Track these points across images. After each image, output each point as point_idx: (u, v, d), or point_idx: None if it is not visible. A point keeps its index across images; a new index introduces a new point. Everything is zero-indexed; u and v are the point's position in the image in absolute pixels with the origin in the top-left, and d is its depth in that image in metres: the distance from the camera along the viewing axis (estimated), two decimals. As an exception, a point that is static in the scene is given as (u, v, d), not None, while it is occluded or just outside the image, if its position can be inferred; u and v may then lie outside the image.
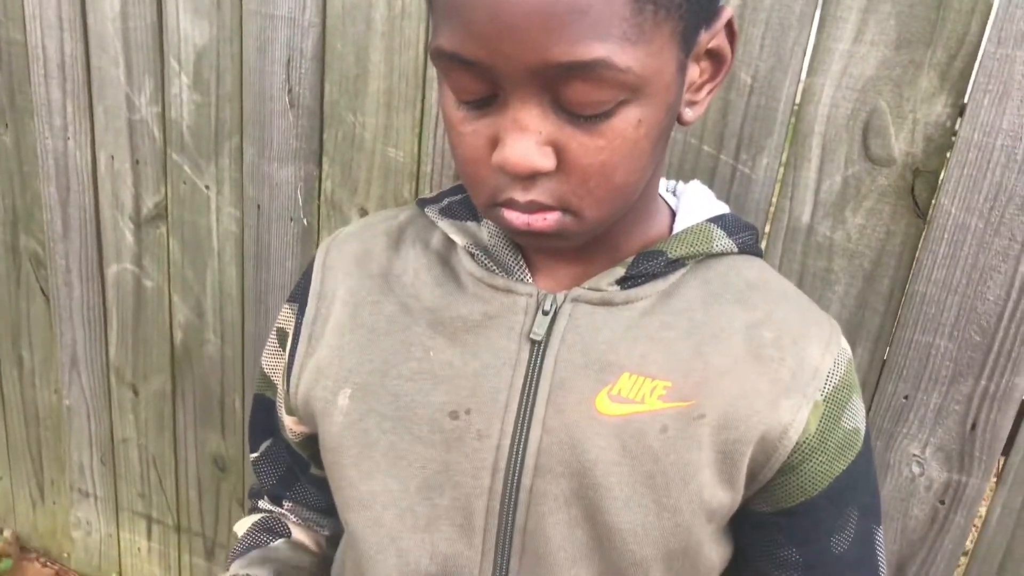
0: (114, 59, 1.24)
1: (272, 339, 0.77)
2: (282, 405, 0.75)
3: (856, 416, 0.65)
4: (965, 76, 0.78)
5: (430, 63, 1.02)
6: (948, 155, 0.80)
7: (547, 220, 0.54)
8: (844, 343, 0.66)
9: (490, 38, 0.47)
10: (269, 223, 1.21)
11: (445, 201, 0.69)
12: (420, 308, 0.65)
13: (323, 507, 0.83)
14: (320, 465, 0.74)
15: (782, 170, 0.88)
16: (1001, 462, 0.88)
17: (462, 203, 0.68)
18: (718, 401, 0.60)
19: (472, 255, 0.65)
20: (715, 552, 0.66)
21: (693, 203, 0.68)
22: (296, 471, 0.82)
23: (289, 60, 1.11)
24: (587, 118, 0.50)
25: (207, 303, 1.33)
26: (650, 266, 0.62)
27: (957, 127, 0.79)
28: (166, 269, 1.35)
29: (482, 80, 0.50)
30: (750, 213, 0.89)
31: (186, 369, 1.41)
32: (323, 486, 0.81)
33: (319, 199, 1.16)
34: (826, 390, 0.63)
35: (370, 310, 0.67)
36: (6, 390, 1.68)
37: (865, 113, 0.82)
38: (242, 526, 0.82)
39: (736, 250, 0.66)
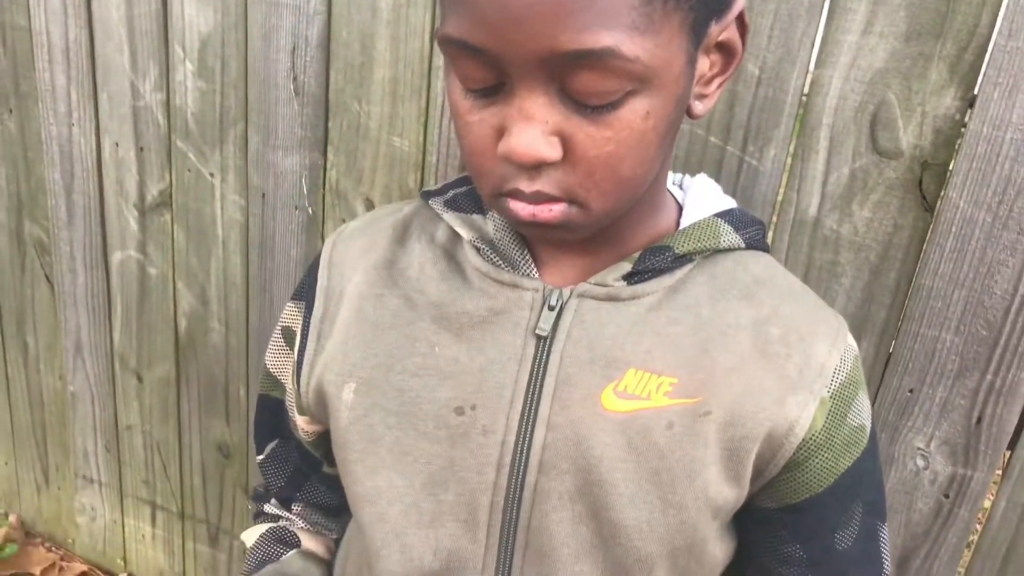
0: (119, 45, 1.24)
1: (277, 337, 0.77)
2: (293, 405, 0.75)
3: (862, 413, 0.65)
4: (975, 69, 0.77)
5: (436, 52, 1.01)
6: (957, 148, 0.80)
7: (553, 211, 0.53)
8: (851, 340, 0.66)
9: (498, 25, 0.47)
10: (274, 212, 1.21)
11: (450, 193, 0.69)
12: (425, 303, 0.65)
13: (333, 507, 0.83)
14: (333, 463, 0.74)
15: (789, 162, 0.87)
16: (1006, 456, 0.87)
17: (467, 195, 0.68)
18: (724, 398, 0.60)
19: (478, 249, 0.65)
20: (719, 548, 0.66)
21: (700, 197, 0.67)
22: (305, 470, 0.81)
23: (294, 48, 1.10)
24: (594, 108, 0.50)
25: (211, 291, 1.33)
26: (657, 261, 0.62)
27: (966, 120, 0.78)
28: (170, 257, 1.35)
29: (489, 68, 0.50)
30: (757, 205, 0.89)
31: (190, 357, 1.41)
32: (334, 484, 0.81)
33: (324, 188, 1.16)
34: (832, 387, 0.63)
35: (374, 304, 0.66)
36: (11, 376, 1.68)
37: (873, 105, 0.81)
38: (250, 536, 0.82)
39: (743, 245, 0.65)
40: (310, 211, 1.18)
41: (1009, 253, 0.80)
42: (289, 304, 0.75)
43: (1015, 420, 0.85)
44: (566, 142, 0.51)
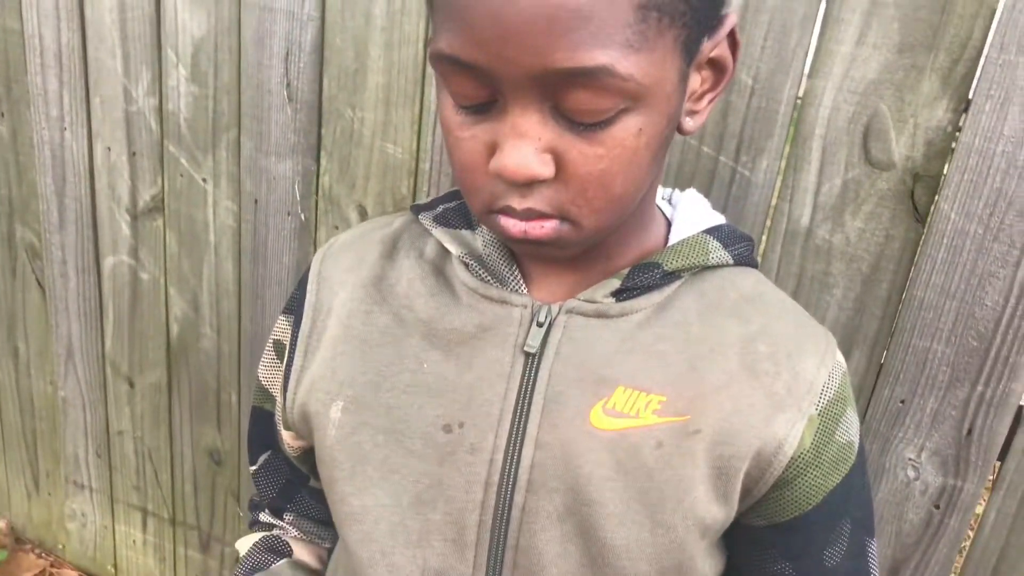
0: (111, 50, 1.23)
1: (269, 350, 0.77)
2: (280, 420, 0.74)
3: (850, 430, 0.65)
4: (967, 81, 0.77)
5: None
6: (948, 160, 0.80)
7: (544, 228, 0.53)
8: (839, 356, 0.65)
9: (491, 42, 0.46)
10: (266, 217, 1.21)
11: (439, 208, 0.68)
12: (414, 319, 0.64)
13: (324, 518, 0.82)
14: (319, 478, 0.73)
15: (782, 173, 0.87)
16: (997, 467, 0.88)
17: (456, 210, 0.67)
18: (713, 416, 0.60)
19: (467, 265, 0.64)
20: (708, 565, 0.66)
21: (689, 213, 0.67)
22: (296, 483, 0.81)
23: (288, 53, 1.10)
24: (587, 126, 0.49)
25: (203, 297, 1.33)
26: (645, 278, 0.61)
27: (958, 132, 0.79)
28: (162, 262, 1.34)
29: (482, 85, 0.49)
30: (749, 215, 0.89)
31: (182, 363, 1.41)
32: (323, 498, 0.80)
33: (317, 194, 1.16)
34: (821, 404, 0.62)
35: (363, 320, 0.66)
36: (2, 381, 1.67)
37: (866, 116, 0.81)
38: (244, 544, 0.81)
39: (732, 262, 0.65)
40: (303, 217, 1.18)
41: (1000, 265, 0.80)
42: (280, 317, 0.75)
43: (1005, 431, 0.85)
44: (558, 159, 0.51)
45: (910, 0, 0.77)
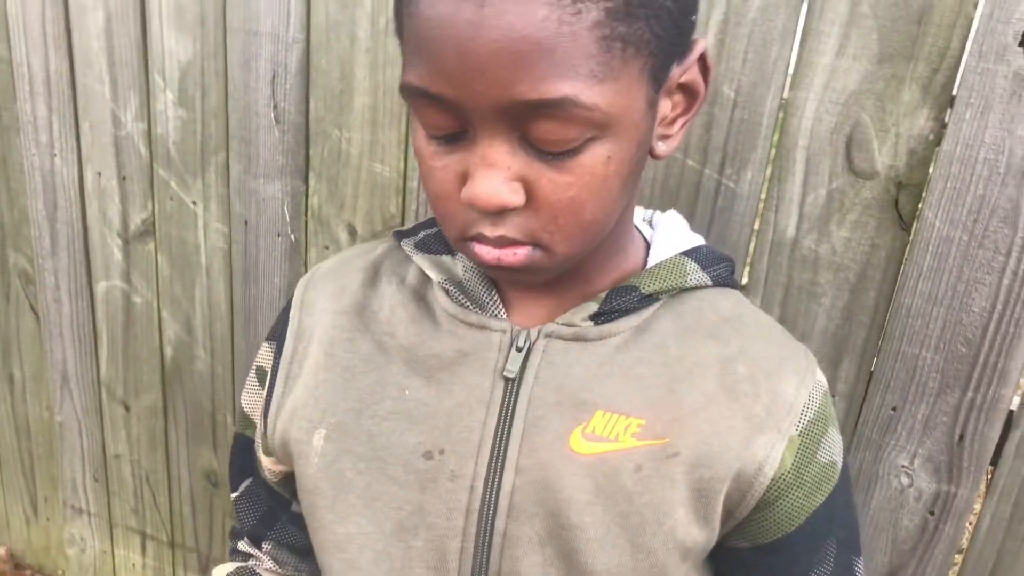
0: (99, 76, 1.24)
1: (252, 377, 0.77)
2: (260, 445, 0.75)
3: (832, 449, 0.65)
4: (947, 90, 0.78)
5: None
6: (931, 168, 0.80)
7: (517, 255, 0.53)
8: (820, 376, 0.65)
9: (458, 75, 0.47)
10: (257, 239, 1.21)
11: (421, 234, 0.69)
12: (396, 346, 0.64)
13: (303, 547, 0.82)
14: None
15: (766, 184, 0.87)
16: (989, 473, 0.88)
17: (437, 236, 0.68)
18: (692, 439, 0.60)
19: (447, 291, 0.64)
20: None
21: (668, 235, 0.67)
22: (277, 511, 0.81)
23: (274, 76, 1.10)
24: (556, 155, 0.50)
25: (196, 319, 1.33)
26: (623, 301, 0.62)
27: (940, 140, 0.79)
28: (155, 285, 1.34)
29: (451, 116, 0.50)
30: (735, 227, 0.89)
31: (177, 385, 1.41)
32: (304, 524, 0.80)
33: (306, 215, 1.16)
34: (801, 424, 0.62)
35: (345, 348, 0.66)
36: (-3, 407, 1.67)
37: (848, 127, 0.82)
38: (219, 573, 0.81)
39: (710, 283, 0.65)
40: (293, 238, 1.18)
41: (986, 271, 0.80)
42: (264, 344, 0.75)
43: (997, 436, 0.85)
44: (529, 188, 0.51)
45: (888, 11, 0.77)
